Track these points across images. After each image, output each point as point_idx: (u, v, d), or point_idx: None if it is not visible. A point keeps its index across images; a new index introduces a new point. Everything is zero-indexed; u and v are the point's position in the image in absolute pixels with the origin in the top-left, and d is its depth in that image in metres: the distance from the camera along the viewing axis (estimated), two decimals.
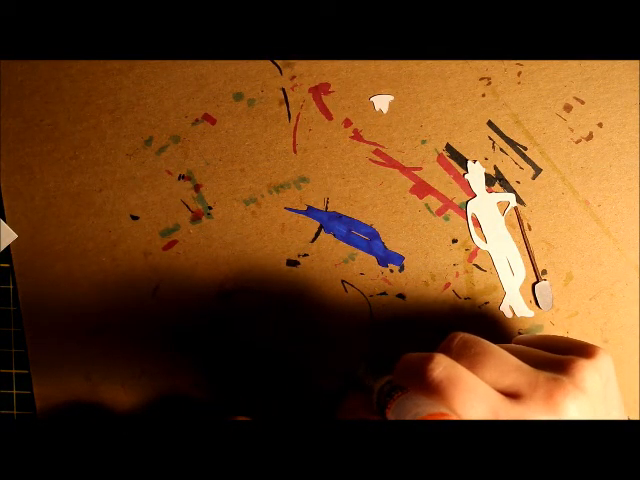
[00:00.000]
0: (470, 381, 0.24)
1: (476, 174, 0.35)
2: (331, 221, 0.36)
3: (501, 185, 0.35)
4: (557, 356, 0.26)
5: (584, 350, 0.27)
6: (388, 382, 0.27)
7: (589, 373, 0.25)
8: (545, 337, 0.31)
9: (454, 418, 0.22)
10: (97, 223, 0.36)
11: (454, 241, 0.36)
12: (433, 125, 0.35)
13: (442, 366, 0.24)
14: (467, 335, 0.26)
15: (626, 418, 0.28)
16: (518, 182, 0.35)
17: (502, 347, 0.26)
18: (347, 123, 0.36)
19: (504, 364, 0.25)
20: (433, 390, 0.23)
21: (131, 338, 0.36)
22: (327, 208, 0.36)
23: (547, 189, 0.35)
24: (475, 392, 0.23)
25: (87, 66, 0.36)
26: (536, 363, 0.26)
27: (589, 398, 0.24)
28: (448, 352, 0.26)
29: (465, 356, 0.25)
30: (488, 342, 0.26)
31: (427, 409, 0.23)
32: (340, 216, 0.36)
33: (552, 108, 0.35)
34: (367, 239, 0.36)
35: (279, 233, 0.36)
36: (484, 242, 0.36)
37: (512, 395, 0.24)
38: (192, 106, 0.36)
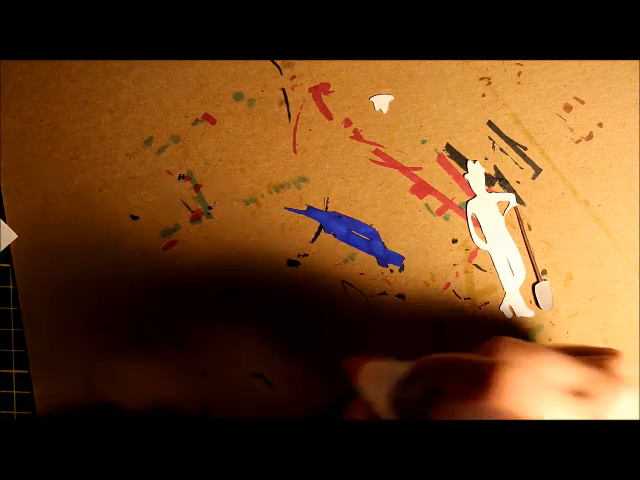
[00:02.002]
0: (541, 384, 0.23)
1: (476, 174, 0.35)
2: (331, 221, 0.36)
3: (501, 185, 0.35)
4: (595, 357, 0.26)
5: (607, 351, 0.27)
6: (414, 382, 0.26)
7: (628, 369, 0.25)
8: (561, 345, 0.31)
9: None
10: (97, 223, 0.36)
11: (454, 241, 0.36)
12: (433, 125, 0.35)
13: (508, 372, 0.23)
14: (512, 339, 0.26)
15: None
16: (518, 182, 0.35)
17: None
18: (347, 123, 0.36)
19: (561, 363, 0.25)
20: (504, 399, 0.23)
21: (131, 338, 0.36)
22: (327, 208, 0.36)
23: (547, 189, 0.35)
24: (550, 395, 0.23)
25: (87, 66, 0.36)
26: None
27: (636, 392, 0.25)
28: (495, 355, 0.25)
29: (519, 355, 0.25)
30: (532, 343, 0.26)
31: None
32: (340, 216, 0.36)
33: (552, 108, 0.35)
34: (367, 239, 0.36)
35: (279, 233, 0.36)
36: (484, 242, 0.36)
37: (576, 394, 0.24)
38: (192, 106, 0.36)
